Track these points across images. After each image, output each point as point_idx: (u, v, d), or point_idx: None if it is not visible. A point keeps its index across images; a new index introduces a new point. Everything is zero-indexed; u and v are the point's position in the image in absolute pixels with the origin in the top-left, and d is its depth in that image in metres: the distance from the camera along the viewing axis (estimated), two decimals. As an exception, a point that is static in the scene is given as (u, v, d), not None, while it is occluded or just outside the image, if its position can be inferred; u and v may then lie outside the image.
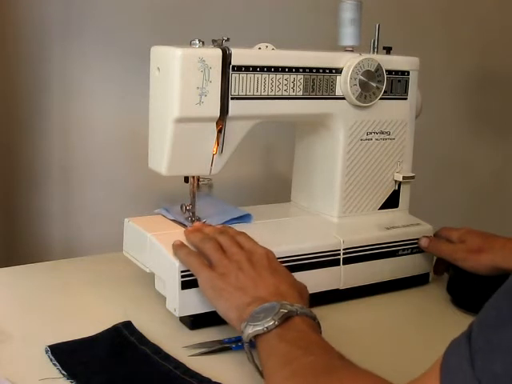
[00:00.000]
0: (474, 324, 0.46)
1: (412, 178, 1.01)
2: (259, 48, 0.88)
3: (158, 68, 0.83)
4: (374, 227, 0.96)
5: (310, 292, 0.80)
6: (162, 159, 0.84)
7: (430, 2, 1.51)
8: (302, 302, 0.70)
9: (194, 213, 0.90)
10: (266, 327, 0.64)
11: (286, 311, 0.66)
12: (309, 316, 0.68)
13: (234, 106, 0.84)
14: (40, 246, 1.22)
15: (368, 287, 0.94)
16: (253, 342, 0.67)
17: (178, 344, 0.75)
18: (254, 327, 0.65)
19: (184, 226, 0.88)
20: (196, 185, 0.89)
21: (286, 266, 0.84)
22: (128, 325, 0.78)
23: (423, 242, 0.97)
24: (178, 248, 0.80)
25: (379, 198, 1.00)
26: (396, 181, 1.00)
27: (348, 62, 0.91)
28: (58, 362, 0.69)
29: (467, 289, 0.91)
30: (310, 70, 0.89)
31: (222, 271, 0.75)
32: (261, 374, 0.66)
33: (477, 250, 0.91)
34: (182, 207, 0.90)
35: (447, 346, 0.47)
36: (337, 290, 0.91)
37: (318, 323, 0.69)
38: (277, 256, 0.80)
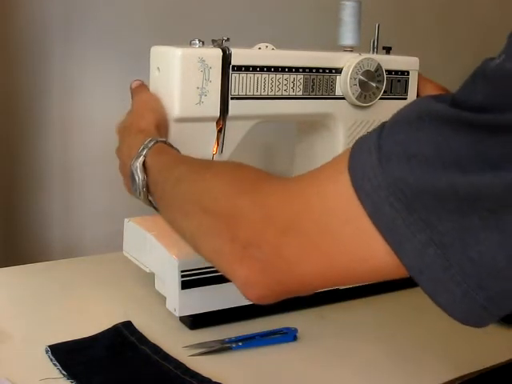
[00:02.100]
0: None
1: (412, 177, 1.01)
2: (259, 48, 0.88)
3: (158, 68, 0.83)
4: (373, 227, 0.96)
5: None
6: (161, 159, 0.84)
7: (429, 2, 1.51)
8: (143, 133, 0.76)
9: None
10: (142, 186, 0.71)
11: (139, 166, 0.71)
12: (154, 143, 0.72)
13: (233, 106, 0.84)
14: (40, 246, 1.22)
15: (368, 287, 0.94)
16: None
17: (178, 344, 0.75)
18: (139, 196, 0.72)
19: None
20: None
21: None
22: (128, 325, 0.78)
23: None
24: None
25: (379, 197, 1.00)
26: (396, 181, 1.00)
27: (348, 62, 0.91)
28: (59, 362, 0.69)
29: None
30: (310, 69, 0.89)
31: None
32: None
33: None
34: None
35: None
36: (337, 290, 0.91)
37: (171, 144, 0.75)
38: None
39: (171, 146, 0.75)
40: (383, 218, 0.46)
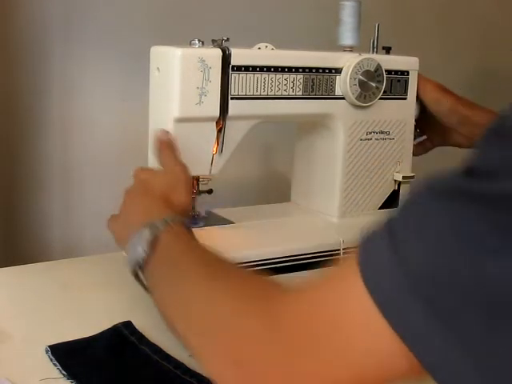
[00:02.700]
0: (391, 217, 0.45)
1: (412, 177, 1.01)
2: (259, 48, 0.88)
3: (158, 68, 0.83)
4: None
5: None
6: (161, 159, 0.84)
7: (429, 1, 1.51)
8: (172, 207, 0.71)
9: (193, 207, 0.90)
10: (141, 259, 0.64)
11: (149, 237, 0.64)
12: (177, 222, 0.67)
13: (233, 106, 0.84)
14: (40, 246, 1.22)
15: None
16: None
17: (178, 344, 0.75)
18: (130, 264, 0.66)
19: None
20: (196, 182, 0.89)
21: (286, 266, 0.84)
22: (128, 325, 0.78)
23: None
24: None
25: (379, 197, 1.00)
26: (396, 180, 1.00)
27: (347, 62, 0.91)
28: (59, 362, 0.69)
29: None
30: (310, 69, 0.89)
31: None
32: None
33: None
34: None
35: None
36: (337, 290, 0.91)
37: (186, 226, 0.68)
38: (277, 256, 0.80)
39: (190, 231, 0.69)
40: (402, 319, 0.41)
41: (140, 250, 0.64)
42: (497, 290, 0.37)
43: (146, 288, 0.68)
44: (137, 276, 0.67)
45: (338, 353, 0.45)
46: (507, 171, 0.39)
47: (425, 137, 1.06)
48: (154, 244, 0.64)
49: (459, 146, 1.02)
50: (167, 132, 0.80)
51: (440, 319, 0.39)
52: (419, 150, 1.05)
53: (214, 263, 0.62)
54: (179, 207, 0.73)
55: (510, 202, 0.38)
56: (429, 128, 1.04)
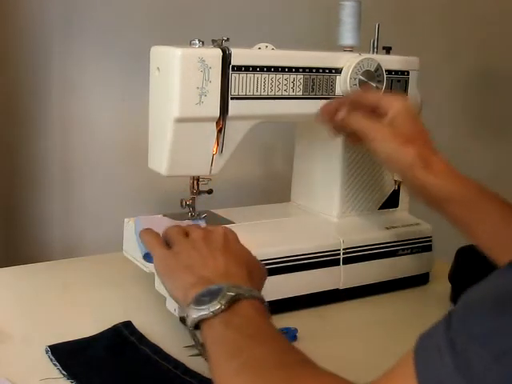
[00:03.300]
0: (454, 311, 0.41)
1: (412, 177, 1.01)
2: (259, 48, 0.88)
3: (158, 68, 0.83)
4: (373, 227, 0.96)
5: (310, 292, 0.80)
6: (162, 159, 0.84)
7: (429, 1, 1.51)
8: (252, 284, 0.65)
9: (193, 207, 0.90)
10: (212, 311, 0.59)
11: (232, 294, 0.60)
12: (257, 299, 0.62)
13: (233, 106, 0.84)
14: (40, 246, 1.22)
15: (368, 287, 0.94)
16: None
17: (178, 344, 0.75)
18: (199, 311, 0.59)
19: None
20: (196, 182, 0.89)
21: (286, 266, 0.84)
22: (128, 325, 0.78)
23: (340, 115, 0.83)
24: (143, 232, 0.76)
25: (379, 197, 1.00)
26: (396, 181, 1.00)
27: (348, 62, 0.91)
28: (59, 362, 0.69)
29: (471, 280, 0.90)
30: (310, 69, 0.89)
31: (177, 250, 0.70)
32: (206, 358, 0.60)
33: (404, 140, 0.77)
34: (181, 202, 0.91)
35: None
36: (337, 290, 0.91)
37: (268, 308, 0.63)
38: (277, 256, 0.80)
39: (268, 311, 0.63)
40: None
41: (217, 304, 0.59)
42: None
43: (196, 340, 0.63)
44: (195, 335, 0.63)
45: None
46: None
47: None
48: (232, 304, 0.60)
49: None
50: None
51: None
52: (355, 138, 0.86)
53: (287, 360, 0.56)
54: (257, 278, 0.69)
55: None
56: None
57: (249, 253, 0.71)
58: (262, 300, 0.63)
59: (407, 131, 0.79)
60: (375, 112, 0.82)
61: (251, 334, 0.58)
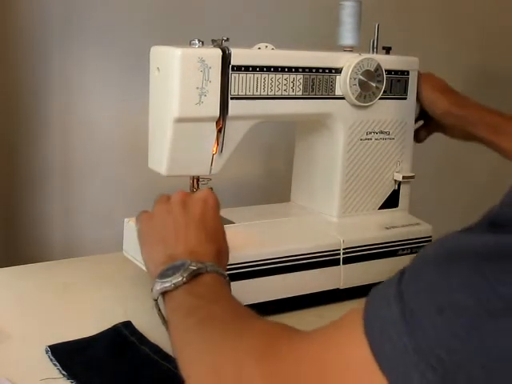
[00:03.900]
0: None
1: (412, 177, 1.01)
2: (259, 48, 0.88)
3: (158, 68, 0.83)
4: (373, 227, 0.96)
5: (310, 292, 0.80)
6: (161, 159, 0.84)
7: (429, 1, 1.51)
8: (216, 261, 0.67)
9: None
10: (174, 283, 0.62)
11: (194, 268, 0.63)
12: (219, 274, 0.65)
13: (233, 106, 0.84)
14: (40, 246, 1.22)
15: (368, 287, 0.93)
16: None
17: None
18: (162, 284, 0.63)
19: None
20: (196, 182, 0.89)
21: (286, 266, 0.84)
22: (128, 325, 0.78)
23: None
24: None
25: (379, 197, 1.00)
26: (396, 180, 1.00)
27: (347, 62, 0.91)
28: (58, 362, 0.69)
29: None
30: (310, 69, 0.89)
31: (153, 213, 0.73)
32: (167, 327, 0.64)
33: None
34: None
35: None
36: (337, 290, 0.91)
37: (229, 282, 0.66)
38: (277, 256, 0.80)
39: (229, 284, 0.66)
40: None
41: (179, 276, 0.62)
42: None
43: (158, 307, 0.66)
44: (159, 310, 0.66)
45: None
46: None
47: (422, 122, 1.05)
48: (193, 277, 0.63)
49: (453, 137, 1.04)
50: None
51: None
52: (420, 136, 1.04)
53: (241, 314, 0.60)
54: (219, 246, 0.71)
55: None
56: (425, 115, 1.04)
57: (222, 231, 0.73)
58: (224, 276, 0.66)
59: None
60: None
61: (209, 298, 0.61)
